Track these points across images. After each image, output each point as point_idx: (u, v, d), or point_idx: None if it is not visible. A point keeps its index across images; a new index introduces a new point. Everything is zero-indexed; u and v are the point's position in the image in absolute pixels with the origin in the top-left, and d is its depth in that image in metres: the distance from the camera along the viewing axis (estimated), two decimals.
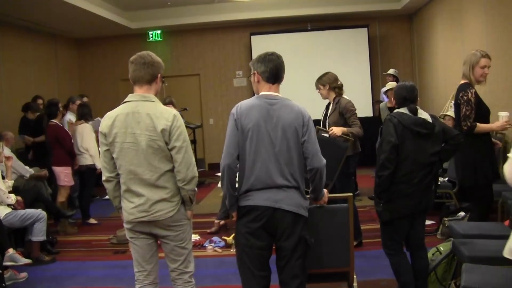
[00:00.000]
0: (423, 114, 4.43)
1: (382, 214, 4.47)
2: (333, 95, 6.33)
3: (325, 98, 6.41)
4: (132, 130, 3.62)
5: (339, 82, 6.32)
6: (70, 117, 9.33)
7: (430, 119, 4.41)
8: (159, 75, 3.75)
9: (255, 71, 3.72)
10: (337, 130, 5.92)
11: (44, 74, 12.39)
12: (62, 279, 6.13)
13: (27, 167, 8.08)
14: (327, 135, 5.95)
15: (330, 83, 6.28)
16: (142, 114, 3.62)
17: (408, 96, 4.48)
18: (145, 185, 3.66)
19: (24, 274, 6.07)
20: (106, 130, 3.69)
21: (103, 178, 3.83)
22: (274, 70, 3.69)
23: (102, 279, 6.05)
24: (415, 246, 4.60)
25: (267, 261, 3.69)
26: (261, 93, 3.71)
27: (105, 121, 3.72)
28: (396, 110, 4.52)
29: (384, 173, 4.32)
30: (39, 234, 6.59)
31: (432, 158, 4.38)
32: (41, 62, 12.33)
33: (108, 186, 3.82)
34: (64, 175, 8.34)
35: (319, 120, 6.31)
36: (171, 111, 3.67)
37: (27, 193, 7.17)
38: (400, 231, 4.51)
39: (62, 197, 8.40)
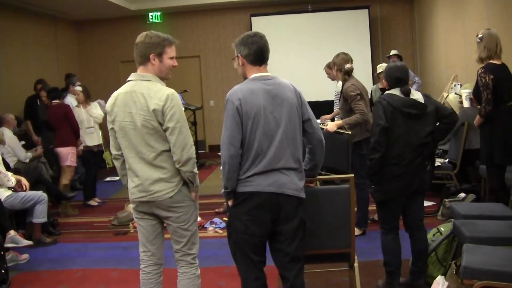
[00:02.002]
0: (415, 95, 4.40)
1: (374, 195, 4.54)
2: (340, 78, 6.18)
3: (333, 79, 6.26)
4: (130, 109, 3.61)
5: (347, 66, 6.08)
6: (71, 100, 9.29)
7: (422, 99, 4.38)
8: (152, 55, 3.63)
9: (239, 54, 3.61)
10: (331, 127, 5.83)
11: (44, 56, 12.35)
12: (63, 261, 6.15)
13: (28, 153, 8.11)
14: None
15: (338, 65, 6.11)
16: (138, 94, 3.60)
17: (402, 77, 4.44)
18: (144, 164, 3.65)
19: (25, 256, 6.10)
20: (109, 108, 3.72)
21: (112, 156, 3.86)
22: (258, 52, 3.57)
23: (103, 261, 6.08)
24: (413, 227, 4.61)
25: (265, 246, 3.64)
26: (254, 76, 3.59)
27: (109, 100, 3.74)
28: (386, 92, 4.50)
29: (375, 156, 4.36)
30: (40, 216, 6.61)
31: (424, 139, 4.37)
32: (41, 44, 12.27)
33: (116, 164, 3.87)
34: (71, 155, 8.41)
35: (322, 102, 6.24)
36: (166, 91, 3.59)
37: (28, 176, 7.18)
38: (392, 211, 4.54)
39: (66, 180, 8.42)
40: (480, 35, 5.47)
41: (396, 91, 4.41)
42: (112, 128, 3.73)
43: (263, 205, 3.46)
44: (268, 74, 3.61)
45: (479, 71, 5.46)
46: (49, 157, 8.61)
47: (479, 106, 5.69)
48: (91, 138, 8.72)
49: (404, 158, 4.35)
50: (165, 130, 3.57)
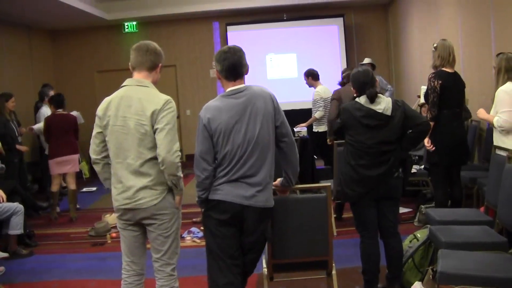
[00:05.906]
0: (382, 103, 4.44)
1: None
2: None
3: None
4: (123, 114, 3.65)
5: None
6: (46, 110, 9.22)
7: (390, 108, 4.41)
8: (160, 65, 3.78)
9: (216, 69, 3.71)
10: None
11: (19, 66, 12.17)
12: (40, 272, 6.09)
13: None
14: None
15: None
16: (134, 98, 3.65)
17: (366, 80, 4.52)
18: (130, 171, 3.67)
19: (1, 268, 6.02)
20: (101, 113, 3.75)
21: (91, 160, 3.88)
22: (230, 68, 3.62)
23: (80, 272, 6.03)
24: (386, 234, 4.64)
25: (237, 250, 3.71)
26: (226, 91, 3.68)
27: (102, 105, 3.77)
28: (356, 99, 4.56)
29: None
30: (16, 227, 6.53)
31: (385, 147, 4.41)
32: (16, 54, 12.10)
33: (96, 168, 3.89)
34: (76, 162, 8.60)
35: (298, 111, 6.26)
36: (163, 97, 3.68)
37: (3, 186, 7.10)
38: (362, 215, 4.60)
39: (73, 185, 8.56)
40: (435, 45, 5.84)
41: (362, 99, 4.49)
42: (101, 132, 3.75)
43: (229, 213, 3.60)
44: (240, 86, 3.66)
45: (430, 76, 5.78)
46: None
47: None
48: None
49: (362, 165, 4.45)
50: (154, 132, 3.61)
